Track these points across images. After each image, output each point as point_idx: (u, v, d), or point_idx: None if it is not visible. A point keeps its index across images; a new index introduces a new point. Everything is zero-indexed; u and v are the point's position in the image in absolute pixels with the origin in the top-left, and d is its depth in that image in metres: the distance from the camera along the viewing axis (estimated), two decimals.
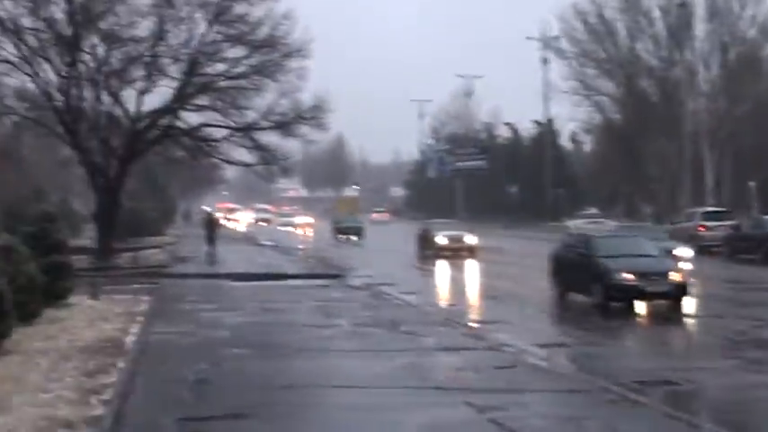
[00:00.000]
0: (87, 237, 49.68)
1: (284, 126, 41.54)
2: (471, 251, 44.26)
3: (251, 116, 41.98)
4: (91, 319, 20.18)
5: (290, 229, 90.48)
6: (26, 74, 38.20)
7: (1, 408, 11.37)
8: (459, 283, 34.01)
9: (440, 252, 43.97)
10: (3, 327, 15.40)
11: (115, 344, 16.71)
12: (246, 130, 42.05)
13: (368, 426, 11.37)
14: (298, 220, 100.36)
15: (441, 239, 45.20)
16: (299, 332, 19.10)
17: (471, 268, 38.81)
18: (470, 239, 45.46)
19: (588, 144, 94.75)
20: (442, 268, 39.14)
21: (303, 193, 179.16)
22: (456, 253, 43.57)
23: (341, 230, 68.70)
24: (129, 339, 17.39)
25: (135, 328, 18.85)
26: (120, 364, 14.55)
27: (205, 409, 11.90)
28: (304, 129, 41.96)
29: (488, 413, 11.38)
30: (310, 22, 41.06)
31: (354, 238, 65.97)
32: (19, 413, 11.11)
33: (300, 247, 58.22)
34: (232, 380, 13.89)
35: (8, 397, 11.96)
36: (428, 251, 45.23)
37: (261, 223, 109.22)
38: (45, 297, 20.11)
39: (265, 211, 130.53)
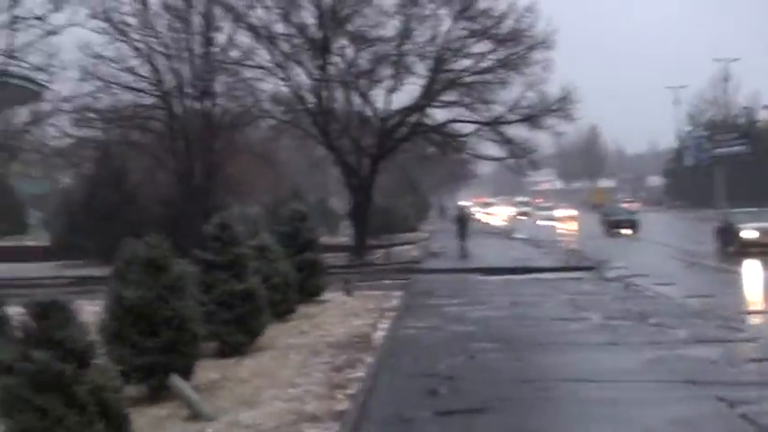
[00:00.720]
0: (345, 234, 51.15)
1: (531, 119, 41.44)
2: None
3: (498, 110, 42.20)
4: (342, 314, 20.71)
5: (550, 222, 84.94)
6: (279, 78, 39.79)
7: (252, 401, 11.80)
8: (725, 276, 30.55)
9: (746, 249, 36.07)
10: (257, 324, 16.01)
11: (364, 339, 17.02)
12: (494, 124, 42.20)
13: (614, 421, 10.97)
14: (558, 212, 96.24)
15: (748, 233, 37.04)
16: (546, 326, 18.87)
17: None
18: None
19: None
20: (709, 262, 35.01)
21: (557, 185, 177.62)
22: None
23: (612, 224, 63.07)
24: (378, 335, 17.66)
25: (385, 324, 19.15)
26: (368, 359, 14.79)
27: (448, 402, 11.91)
28: (551, 120, 41.78)
29: (740, 408, 10.88)
30: (560, 13, 40.96)
31: (628, 231, 60.02)
32: (268, 407, 11.47)
33: (559, 240, 56.04)
34: (476, 374, 13.83)
35: (259, 391, 12.41)
36: (730, 248, 37.69)
37: (520, 217, 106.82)
38: (299, 294, 20.81)
39: (525, 204, 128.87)
